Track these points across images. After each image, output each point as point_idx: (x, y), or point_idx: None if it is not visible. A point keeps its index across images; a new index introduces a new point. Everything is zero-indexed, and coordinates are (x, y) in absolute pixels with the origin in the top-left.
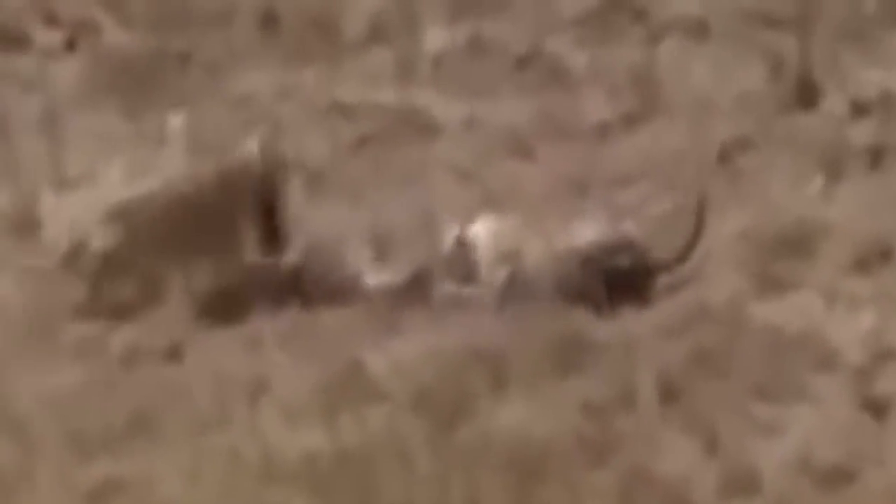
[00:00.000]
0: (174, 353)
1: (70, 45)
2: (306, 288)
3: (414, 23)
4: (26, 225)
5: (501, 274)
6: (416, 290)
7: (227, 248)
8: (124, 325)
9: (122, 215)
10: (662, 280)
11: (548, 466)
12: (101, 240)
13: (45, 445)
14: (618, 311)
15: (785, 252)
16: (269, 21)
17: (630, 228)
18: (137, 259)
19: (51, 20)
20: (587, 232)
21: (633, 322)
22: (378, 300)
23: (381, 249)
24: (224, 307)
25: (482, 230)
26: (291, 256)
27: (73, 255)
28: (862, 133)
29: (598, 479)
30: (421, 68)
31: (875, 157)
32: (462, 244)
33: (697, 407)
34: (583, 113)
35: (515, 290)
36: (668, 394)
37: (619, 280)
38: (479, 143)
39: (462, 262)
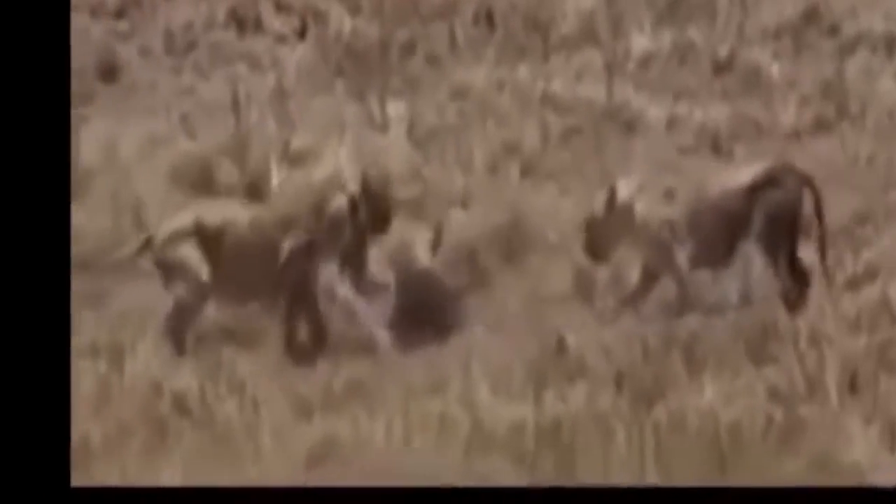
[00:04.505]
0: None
1: (300, 31)
2: None
3: (622, 25)
4: (255, 196)
5: None
6: None
7: None
8: None
9: None
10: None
11: (736, 448)
12: None
13: (268, 406)
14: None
15: None
16: (486, 17)
17: None
18: None
19: (283, 7)
20: None
21: (820, 316)
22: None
23: None
24: None
25: None
26: None
27: None
28: None
29: (783, 463)
30: (627, 68)
31: None
32: None
33: (879, 399)
34: (776, 118)
35: None
36: (852, 385)
37: None
38: (679, 140)
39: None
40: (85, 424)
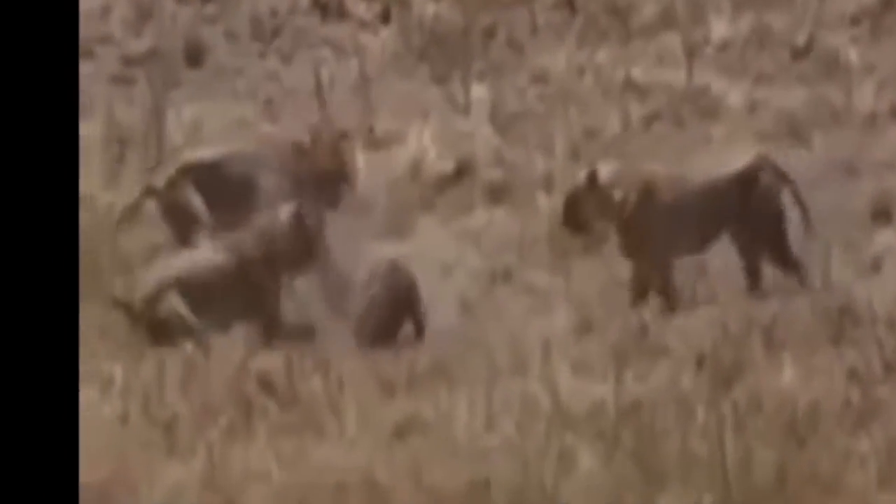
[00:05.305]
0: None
1: (384, 17)
2: None
3: (701, 10)
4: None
5: None
6: None
7: None
8: None
9: None
10: None
11: (814, 428)
12: None
13: (353, 384)
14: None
15: None
16: (567, 2)
17: None
18: None
19: None
20: None
21: None
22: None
23: None
24: None
25: None
26: None
27: None
28: None
29: (859, 444)
30: (706, 53)
31: None
32: None
33: None
34: (853, 103)
35: None
36: None
37: None
38: (758, 125)
39: None
40: (173, 404)
